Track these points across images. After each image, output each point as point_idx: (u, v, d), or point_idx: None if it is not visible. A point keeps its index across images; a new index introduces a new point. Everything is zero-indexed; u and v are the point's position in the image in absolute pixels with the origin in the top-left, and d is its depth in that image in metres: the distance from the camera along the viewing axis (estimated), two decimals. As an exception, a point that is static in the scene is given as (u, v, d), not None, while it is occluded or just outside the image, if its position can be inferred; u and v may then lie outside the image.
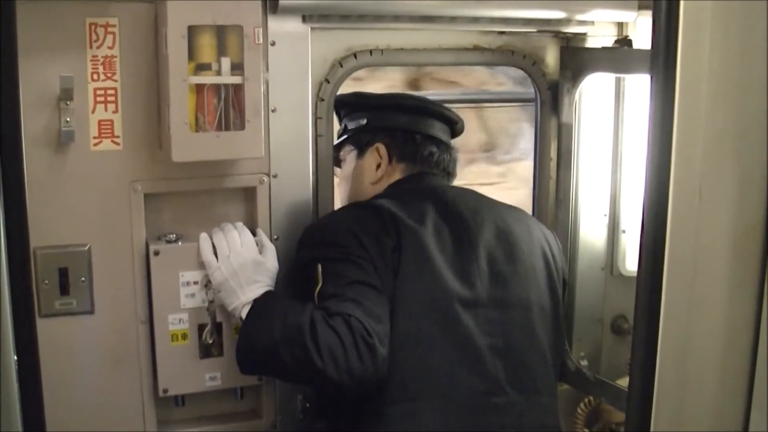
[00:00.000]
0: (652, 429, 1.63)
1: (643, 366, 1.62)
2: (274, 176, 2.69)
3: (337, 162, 2.93)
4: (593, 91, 3.07)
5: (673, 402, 1.63)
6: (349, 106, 2.92)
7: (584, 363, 3.18)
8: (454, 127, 2.95)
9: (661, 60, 1.57)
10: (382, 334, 2.36)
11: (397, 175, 2.82)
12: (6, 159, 1.26)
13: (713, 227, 1.59)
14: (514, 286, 2.60)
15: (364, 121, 2.86)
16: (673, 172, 1.58)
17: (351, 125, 2.89)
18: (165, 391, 2.66)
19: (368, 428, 2.47)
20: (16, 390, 1.32)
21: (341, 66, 2.80)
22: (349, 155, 2.90)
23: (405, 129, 2.84)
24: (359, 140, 2.87)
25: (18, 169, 1.27)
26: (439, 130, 2.88)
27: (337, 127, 2.95)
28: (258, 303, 2.49)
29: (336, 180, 2.93)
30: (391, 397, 2.42)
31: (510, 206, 2.86)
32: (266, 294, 2.52)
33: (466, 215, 2.64)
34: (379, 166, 2.82)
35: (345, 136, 2.92)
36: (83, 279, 2.56)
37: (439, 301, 2.48)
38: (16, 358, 1.32)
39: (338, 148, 2.92)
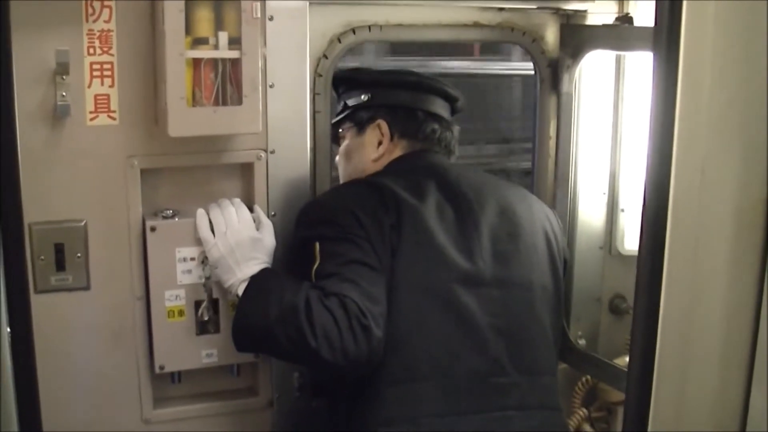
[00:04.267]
0: (651, 409, 1.63)
1: (643, 345, 1.61)
2: (272, 152, 2.67)
3: (336, 139, 2.90)
4: (593, 69, 3.05)
5: (673, 381, 1.63)
6: (348, 82, 2.89)
7: (582, 342, 3.17)
8: (455, 105, 2.93)
9: (664, 37, 1.56)
10: (378, 315, 2.34)
11: (398, 152, 2.79)
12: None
13: (715, 205, 1.58)
14: (516, 266, 2.58)
15: (365, 98, 2.83)
16: (675, 150, 1.57)
17: (351, 102, 2.86)
18: (161, 367, 2.65)
19: (367, 408, 2.45)
20: (9, 365, 1.32)
21: (339, 42, 2.78)
22: (348, 132, 2.87)
23: (406, 106, 2.81)
24: (359, 117, 2.84)
25: (11, 144, 1.26)
26: (440, 107, 2.85)
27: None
28: (254, 280, 2.48)
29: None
30: (392, 377, 2.41)
31: (512, 184, 2.84)
32: (263, 271, 2.51)
33: (469, 193, 2.62)
34: (380, 143, 2.79)
35: (344, 113, 2.89)
36: (79, 255, 2.55)
37: (441, 280, 2.46)
38: (8, 330, 1.31)
39: (337, 125, 2.90)
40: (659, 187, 1.58)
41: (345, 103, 2.89)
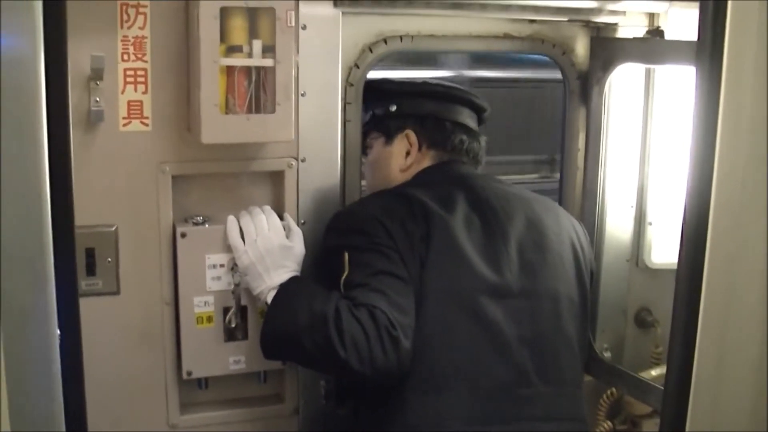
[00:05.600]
0: (688, 423, 1.62)
1: (681, 358, 1.60)
2: (303, 160, 2.68)
3: (364, 149, 2.90)
4: (623, 82, 3.05)
5: (710, 395, 1.62)
6: (376, 92, 2.89)
7: (607, 354, 3.17)
8: (482, 115, 2.93)
9: (707, 50, 1.56)
10: (406, 327, 2.35)
11: (426, 163, 2.79)
12: (53, 142, 1.26)
13: (756, 219, 1.57)
14: (543, 277, 2.58)
15: (393, 108, 2.83)
16: (716, 162, 1.56)
17: (379, 111, 2.86)
18: (189, 373, 2.66)
19: (392, 417, 2.45)
20: (59, 366, 1.34)
21: (371, 51, 2.78)
22: (376, 142, 2.87)
23: (435, 116, 2.82)
24: (387, 127, 2.84)
25: (65, 151, 1.27)
26: (468, 118, 2.86)
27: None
28: (284, 289, 2.48)
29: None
30: (418, 386, 2.40)
31: (538, 196, 2.83)
32: (292, 279, 2.51)
33: (496, 204, 2.62)
34: (408, 153, 2.80)
35: (372, 123, 2.89)
36: (109, 260, 2.56)
37: (468, 291, 2.46)
38: (59, 332, 1.33)
39: (364, 134, 2.90)
40: (700, 200, 1.58)
41: (373, 113, 2.89)
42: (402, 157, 2.80)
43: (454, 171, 2.76)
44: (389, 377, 2.36)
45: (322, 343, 2.31)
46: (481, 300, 2.47)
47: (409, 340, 2.34)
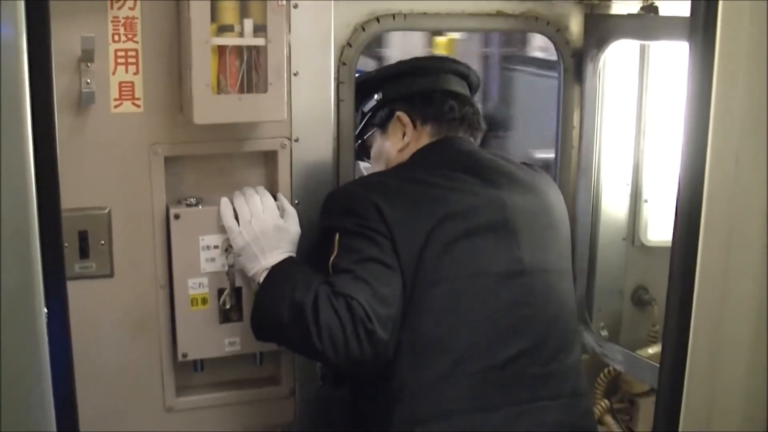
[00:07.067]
0: (684, 400, 1.62)
1: (676, 335, 1.60)
2: (296, 140, 2.66)
3: (367, 152, 2.89)
4: (617, 59, 3.03)
5: (705, 371, 1.61)
6: (361, 88, 2.85)
7: (604, 333, 3.16)
8: (468, 80, 2.90)
9: (700, 27, 1.54)
10: (385, 318, 2.32)
11: (424, 140, 2.74)
12: (38, 123, 1.24)
13: (750, 195, 1.56)
14: (550, 253, 2.57)
15: (378, 97, 2.81)
16: (710, 139, 1.55)
17: (367, 107, 2.85)
18: (184, 355, 2.65)
19: (399, 406, 2.40)
20: (47, 345, 1.33)
21: (364, 30, 2.77)
22: (375, 136, 2.85)
23: (420, 91, 2.79)
24: (379, 118, 2.81)
25: (50, 134, 1.26)
26: (455, 84, 2.82)
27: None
28: (272, 272, 2.47)
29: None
30: (427, 374, 2.37)
31: (536, 169, 2.79)
32: (283, 262, 2.50)
33: (502, 182, 2.58)
34: (404, 134, 2.77)
35: (365, 120, 2.87)
36: (103, 242, 2.55)
37: (480, 272, 2.44)
38: (46, 310, 1.33)
39: (362, 135, 2.88)
40: (693, 177, 1.57)
41: (362, 111, 2.88)
42: (399, 139, 2.76)
43: (454, 148, 2.72)
44: (366, 367, 2.36)
45: (301, 332, 2.32)
46: (494, 281, 2.44)
47: (388, 332, 2.32)
